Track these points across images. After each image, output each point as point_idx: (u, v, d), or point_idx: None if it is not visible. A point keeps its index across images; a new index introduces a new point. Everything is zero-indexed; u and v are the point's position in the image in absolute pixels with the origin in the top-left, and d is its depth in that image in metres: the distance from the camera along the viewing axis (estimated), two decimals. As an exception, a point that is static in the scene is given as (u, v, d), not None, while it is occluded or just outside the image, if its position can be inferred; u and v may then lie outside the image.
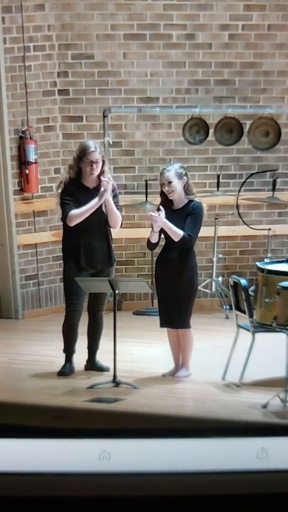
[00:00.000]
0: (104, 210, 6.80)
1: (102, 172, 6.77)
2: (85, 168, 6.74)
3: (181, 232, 6.59)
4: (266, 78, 8.96)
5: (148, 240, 6.77)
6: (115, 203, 6.81)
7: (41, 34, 8.62)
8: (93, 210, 6.71)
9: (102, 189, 6.70)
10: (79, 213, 6.71)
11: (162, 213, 6.60)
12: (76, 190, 6.76)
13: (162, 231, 6.70)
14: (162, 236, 6.76)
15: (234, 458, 3.01)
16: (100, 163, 6.74)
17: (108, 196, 6.73)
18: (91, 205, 6.70)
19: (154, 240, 6.73)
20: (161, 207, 6.66)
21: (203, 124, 8.89)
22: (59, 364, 6.89)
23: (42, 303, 9.02)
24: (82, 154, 6.74)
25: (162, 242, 6.82)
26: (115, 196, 6.85)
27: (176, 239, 6.61)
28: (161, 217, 6.58)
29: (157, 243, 6.78)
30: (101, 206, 6.77)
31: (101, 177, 6.75)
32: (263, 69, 8.94)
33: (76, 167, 6.78)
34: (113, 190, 6.81)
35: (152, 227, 6.67)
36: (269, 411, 5.94)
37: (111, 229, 6.92)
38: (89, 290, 6.80)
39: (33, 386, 6.65)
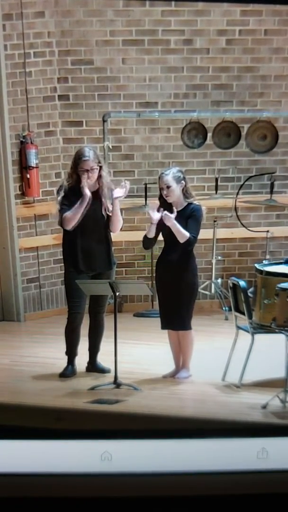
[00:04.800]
0: (103, 214, 6.88)
1: (100, 177, 6.83)
2: (82, 175, 6.81)
3: (187, 234, 6.64)
4: (263, 82, 8.94)
5: (145, 236, 6.78)
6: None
7: (41, 40, 8.62)
8: (83, 208, 6.74)
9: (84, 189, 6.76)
10: (71, 215, 6.76)
11: (174, 214, 6.66)
12: (74, 196, 6.80)
13: (159, 231, 6.74)
14: (161, 238, 6.81)
15: (235, 458, 3.03)
16: (96, 170, 6.79)
17: (116, 201, 6.82)
18: (79, 204, 6.74)
19: (151, 234, 6.74)
20: (174, 208, 6.68)
21: (201, 128, 8.90)
22: (61, 366, 6.93)
23: (44, 305, 9.03)
24: (77, 162, 6.81)
25: (161, 245, 6.87)
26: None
27: (182, 240, 6.65)
28: (171, 217, 6.63)
29: (154, 239, 6.80)
30: (100, 209, 6.84)
31: (102, 182, 6.83)
32: (260, 73, 8.93)
33: (74, 174, 6.84)
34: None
35: (152, 221, 6.70)
36: (269, 411, 5.97)
37: (111, 233, 6.97)
38: (90, 293, 6.85)
39: (35, 388, 6.67)
